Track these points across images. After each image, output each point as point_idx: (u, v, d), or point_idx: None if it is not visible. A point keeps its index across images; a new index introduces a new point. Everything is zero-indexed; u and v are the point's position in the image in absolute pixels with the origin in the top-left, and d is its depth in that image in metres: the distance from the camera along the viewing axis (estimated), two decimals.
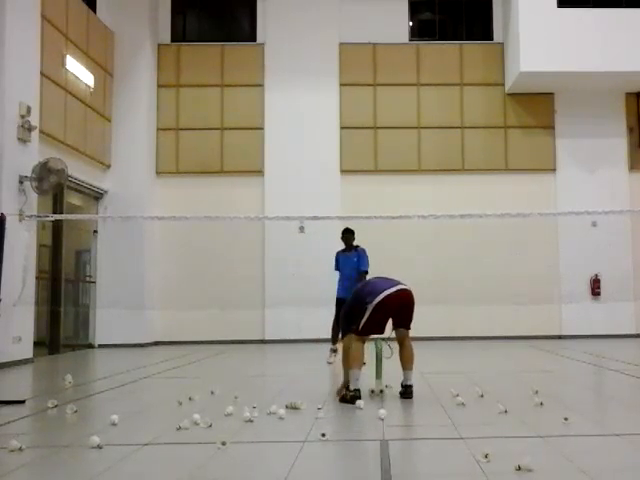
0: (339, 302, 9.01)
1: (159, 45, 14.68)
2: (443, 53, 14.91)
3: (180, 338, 13.72)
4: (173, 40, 14.90)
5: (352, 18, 14.76)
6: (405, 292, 5.86)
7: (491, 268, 14.03)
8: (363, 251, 9.40)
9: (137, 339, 13.20)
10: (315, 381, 7.70)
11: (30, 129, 9.87)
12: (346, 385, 5.87)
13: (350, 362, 5.78)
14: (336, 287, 9.36)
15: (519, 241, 14.18)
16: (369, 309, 5.72)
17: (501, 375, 8.10)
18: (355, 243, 9.41)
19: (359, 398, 5.52)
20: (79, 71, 12.24)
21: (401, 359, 6.05)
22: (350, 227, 9.51)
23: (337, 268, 9.49)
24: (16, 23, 9.69)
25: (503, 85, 14.73)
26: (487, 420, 4.83)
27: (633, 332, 14.14)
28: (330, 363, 9.18)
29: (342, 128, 14.59)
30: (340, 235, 9.53)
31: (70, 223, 12.12)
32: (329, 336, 9.44)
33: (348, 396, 5.59)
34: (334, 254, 9.56)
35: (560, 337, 14.08)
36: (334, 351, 9.21)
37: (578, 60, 13.40)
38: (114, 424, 4.72)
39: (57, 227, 11.69)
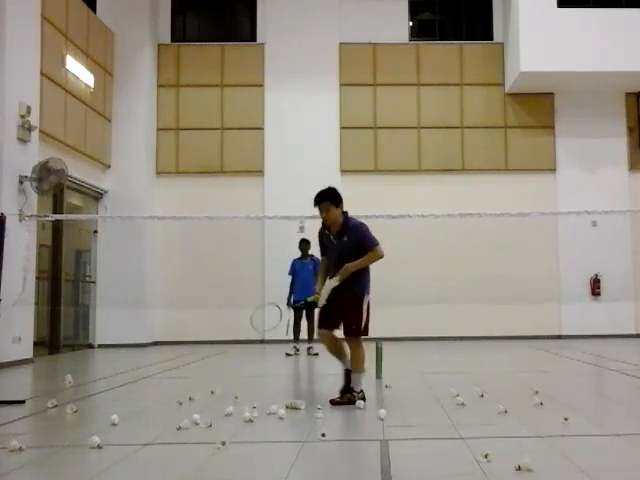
0: (299, 305, 10.62)
1: (159, 45, 14.68)
2: (443, 53, 14.90)
3: (180, 338, 13.72)
4: (173, 40, 14.90)
5: (352, 18, 14.76)
6: None
7: (491, 268, 14.03)
8: (318, 259, 10.49)
9: (137, 339, 13.19)
10: (315, 381, 7.70)
11: (30, 129, 9.87)
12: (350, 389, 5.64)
13: (361, 364, 5.68)
14: (288, 291, 10.93)
15: (519, 241, 14.18)
16: (367, 303, 5.68)
17: (501, 375, 8.10)
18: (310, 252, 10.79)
19: (364, 399, 5.52)
20: (79, 71, 12.24)
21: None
22: (305, 238, 10.94)
23: (292, 273, 10.96)
24: (16, 23, 9.69)
25: (503, 85, 14.73)
26: (487, 420, 4.83)
27: (633, 332, 14.13)
28: (290, 355, 10.76)
29: (342, 128, 14.59)
30: (298, 245, 10.99)
31: (70, 223, 12.13)
32: None
33: (356, 398, 5.48)
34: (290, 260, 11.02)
35: (560, 337, 14.08)
36: (297, 348, 10.86)
37: (578, 60, 13.40)
38: (114, 424, 4.72)
39: (57, 227, 11.69)
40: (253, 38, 14.99)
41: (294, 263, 11.04)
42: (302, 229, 12.60)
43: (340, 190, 5.78)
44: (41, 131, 10.47)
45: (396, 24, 14.92)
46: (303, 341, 10.96)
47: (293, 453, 3.83)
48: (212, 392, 6.15)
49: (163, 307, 13.96)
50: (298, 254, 11.12)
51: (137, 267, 13.39)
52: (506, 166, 14.61)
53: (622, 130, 14.65)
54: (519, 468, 3.37)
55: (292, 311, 10.85)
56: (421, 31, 15.28)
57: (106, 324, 13.10)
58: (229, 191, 14.25)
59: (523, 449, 3.82)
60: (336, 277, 5.57)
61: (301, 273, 10.81)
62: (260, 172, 14.45)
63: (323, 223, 5.81)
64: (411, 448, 4.06)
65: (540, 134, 14.69)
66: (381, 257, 5.63)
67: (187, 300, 13.98)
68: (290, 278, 11.04)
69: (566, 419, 4.66)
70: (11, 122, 9.56)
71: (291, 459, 3.71)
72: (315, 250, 10.65)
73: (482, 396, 5.80)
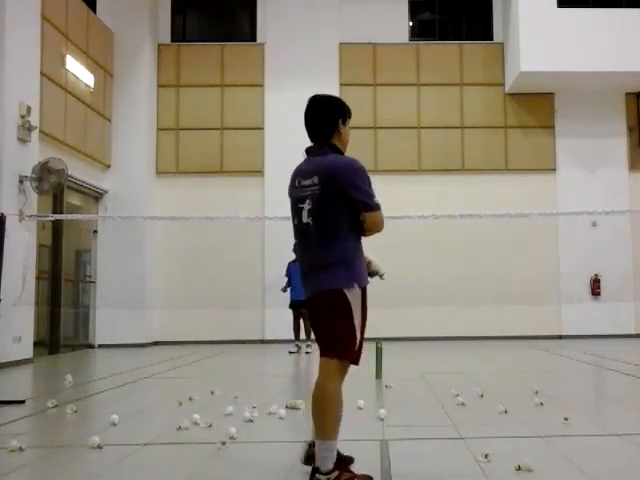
0: (295, 305, 11.31)
1: (159, 45, 14.68)
2: (443, 53, 14.90)
3: (180, 338, 13.72)
4: (173, 40, 14.90)
5: (352, 18, 14.76)
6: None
7: (491, 268, 14.03)
8: None
9: (137, 339, 13.19)
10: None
11: (30, 129, 9.87)
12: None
13: (336, 423, 3.22)
14: (285, 284, 11.63)
15: (519, 241, 14.17)
16: (358, 299, 3.29)
17: (501, 375, 8.10)
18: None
19: None
20: (79, 71, 12.24)
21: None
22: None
23: (287, 275, 11.56)
24: (16, 23, 9.69)
25: (503, 85, 14.73)
26: (487, 420, 4.83)
27: (633, 332, 14.13)
28: (292, 352, 11.30)
29: None
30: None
31: (70, 223, 12.13)
32: None
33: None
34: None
35: (560, 337, 14.08)
36: (299, 346, 11.50)
37: (578, 60, 13.40)
38: (114, 424, 4.72)
39: (57, 227, 11.69)
40: (253, 38, 14.99)
41: (289, 267, 11.40)
42: None
43: None
44: (41, 131, 10.47)
45: (396, 24, 14.93)
46: (303, 341, 11.52)
47: (293, 453, 3.83)
48: (212, 392, 6.15)
49: (163, 307, 13.95)
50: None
51: (137, 267, 13.39)
52: (506, 166, 14.61)
53: (622, 130, 14.65)
54: (519, 468, 3.38)
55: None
56: (421, 31, 15.28)
57: (106, 324, 13.10)
58: (229, 191, 14.24)
59: (523, 449, 3.83)
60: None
61: (296, 276, 11.04)
62: (260, 172, 14.45)
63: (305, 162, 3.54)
64: (411, 448, 4.06)
65: (540, 134, 14.69)
66: (381, 228, 3.39)
67: (187, 300, 13.97)
68: (287, 279, 11.62)
69: (566, 419, 4.66)
70: (11, 122, 9.56)
71: (291, 459, 3.71)
72: None
73: (482, 396, 5.80)
